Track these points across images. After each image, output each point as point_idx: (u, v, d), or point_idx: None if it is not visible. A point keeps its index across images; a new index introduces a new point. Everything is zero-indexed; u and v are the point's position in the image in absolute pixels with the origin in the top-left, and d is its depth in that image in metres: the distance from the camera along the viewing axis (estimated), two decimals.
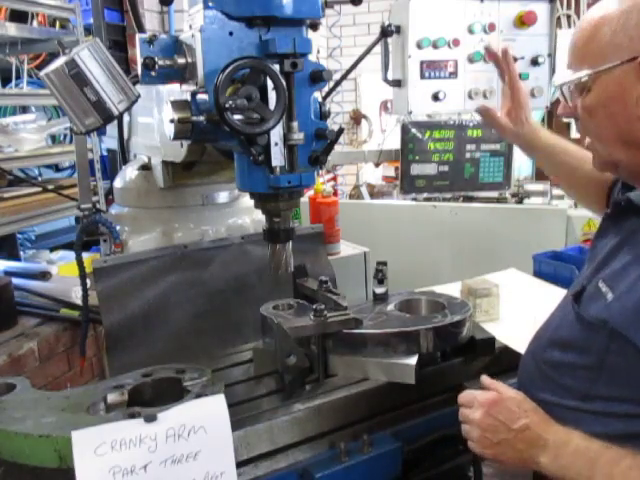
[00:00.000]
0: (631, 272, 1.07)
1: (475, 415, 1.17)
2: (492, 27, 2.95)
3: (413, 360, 1.34)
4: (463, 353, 1.51)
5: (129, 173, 2.04)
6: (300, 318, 1.42)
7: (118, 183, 2.07)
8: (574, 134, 3.09)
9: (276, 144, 1.29)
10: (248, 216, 2.03)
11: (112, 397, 1.20)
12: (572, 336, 1.17)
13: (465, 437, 1.20)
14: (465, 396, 1.22)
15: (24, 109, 4.30)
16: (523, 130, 1.62)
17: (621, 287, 1.07)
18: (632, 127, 1.06)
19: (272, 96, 1.25)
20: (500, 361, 1.52)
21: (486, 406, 1.16)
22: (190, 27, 1.31)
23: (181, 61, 1.27)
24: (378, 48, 2.71)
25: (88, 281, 1.94)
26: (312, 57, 1.33)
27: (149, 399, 1.26)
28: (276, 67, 1.24)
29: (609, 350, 1.08)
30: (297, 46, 1.24)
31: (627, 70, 1.03)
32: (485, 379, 1.25)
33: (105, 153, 4.04)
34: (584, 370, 1.13)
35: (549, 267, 2.40)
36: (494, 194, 3.79)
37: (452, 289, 1.96)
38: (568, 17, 5.30)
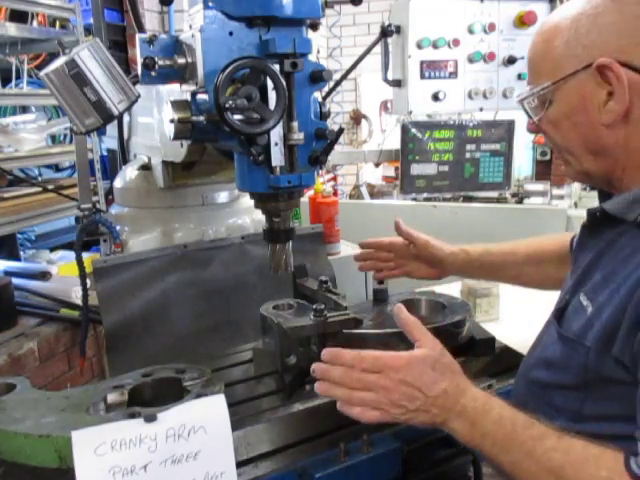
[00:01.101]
0: (610, 284, 1.04)
1: (386, 382, 1.06)
2: (492, 27, 2.95)
3: None
4: (463, 353, 1.51)
5: (129, 173, 2.04)
6: (300, 318, 1.42)
7: (118, 183, 2.07)
8: None
9: (276, 144, 1.29)
10: (248, 216, 2.03)
11: (112, 397, 1.20)
12: (555, 355, 1.14)
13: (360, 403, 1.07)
14: (366, 358, 1.08)
15: (24, 109, 4.30)
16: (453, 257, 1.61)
17: (600, 299, 1.05)
18: (597, 135, 1.06)
19: (272, 96, 1.25)
20: (500, 361, 1.52)
21: (399, 372, 1.06)
22: (190, 27, 1.31)
23: (181, 61, 1.27)
24: (378, 48, 2.71)
25: (88, 281, 1.94)
26: (312, 57, 1.33)
27: (149, 399, 1.26)
28: (276, 67, 1.24)
29: (588, 367, 1.04)
30: (297, 46, 1.24)
31: (585, 78, 1.03)
32: (399, 311, 1.15)
33: (105, 153, 4.04)
34: (571, 390, 1.09)
35: None
36: (494, 194, 3.79)
37: (452, 289, 1.96)
38: None
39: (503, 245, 1.64)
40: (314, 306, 1.39)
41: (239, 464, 1.17)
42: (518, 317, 1.92)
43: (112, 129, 2.20)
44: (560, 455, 0.96)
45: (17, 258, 3.87)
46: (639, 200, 1.04)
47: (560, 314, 1.17)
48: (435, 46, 2.84)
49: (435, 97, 2.83)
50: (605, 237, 1.12)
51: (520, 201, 3.82)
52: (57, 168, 4.65)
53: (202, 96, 1.29)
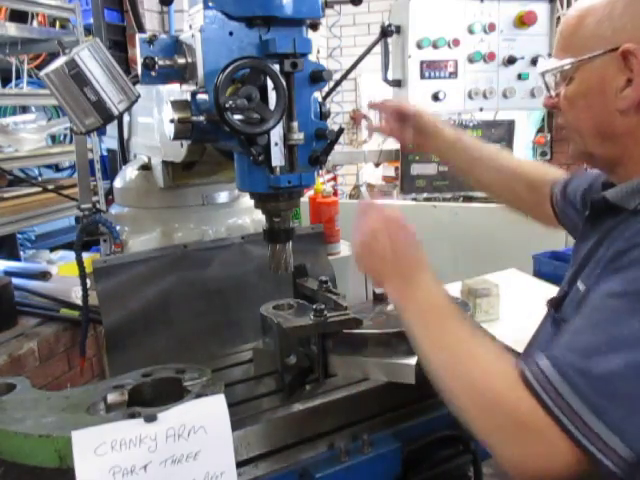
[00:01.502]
0: (601, 265, 1.05)
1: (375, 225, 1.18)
2: (492, 27, 2.95)
3: (413, 360, 1.34)
4: None
5: (129, 173, 2.04)
6: (300, 318, 1.42)
7: (118, 183, 2.07)
8: None
9: (276, 144, 1.29)
10: (248, 216, 2.03)
11: (112, 397, 1.20)
12: (547, 339, 1.16)
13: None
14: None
15: (24, 109, 4.30)
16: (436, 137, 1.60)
17: (590, 282, 1.06)
18: (610, 119, 1.06)
19: (272, 96, 1.25)
20: None
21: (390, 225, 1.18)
22: (190, 27, 1.31)
23: (181, 61, 1.27)
24: (378, 48, 2.71)
25: (88, 281, 1.94)
26: (312, 57, 1.33)
27: (149, 399, 1.26)
28: (276, 67, 1.24)
29: None
30: (297, 46, 1.24)
31: (608, 61, 1.04)
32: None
33: (105, 153, 4.04)
34: None
35: (549, 267, 2.40)
36: None
37: (452, 289, 1.96)
38: None
39: (491, 147, 1.64)
40: (314, 306, 1.39)
41: (239, 464, 1.17)
42: (518, 317, 1.92)
43: (112, 129, 2.19)
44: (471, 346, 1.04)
45: (17, 258, 3.87)
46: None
47: (558, 304, 1.19)
48: (435, 46, 2.83)
49: (435, 97, 2.83)
50: (605, 227, 1.13)
51: None
52: (57, 168, 4.65)
53: (202, 96, 1.29)
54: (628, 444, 0.88)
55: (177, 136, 1.30)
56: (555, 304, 1.20)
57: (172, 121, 1.27)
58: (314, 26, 1.36)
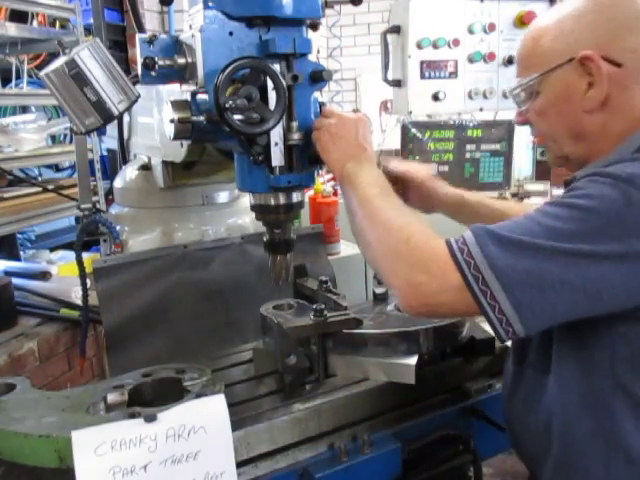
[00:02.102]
0: None
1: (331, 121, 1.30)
2: (492, 27, 2.94)
3: (413, 360, 1.34)
4: (463, 353, 1.51)
5: (129, 173, 2.04)
6: (300, 318, 1.42)
7: (118, 183, 2.07)
8: None
9: (276, 144, 1.29)
10: (248, 216, 2.03)
11: (112, 397, 1.20)
12: None
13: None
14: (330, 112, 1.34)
15: (24, 109, 4.30)
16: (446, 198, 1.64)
17: None
18: (579, 120, 1.17)
19: (272, 96, 1.25)
20: (500, 361, 1.52)
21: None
22: (190, 27, 1.31)
23: (181, 61, 1.27)
24: (378, 48, 2.71)
25: (88, 281, 1.94)
26: (312, 57, 1.33)
27: (149, 399, 1.26)
28: (276, 67, 1.24)
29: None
30: (297, 46, 1.24)
31: (569, 69, 1.15)
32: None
33: (105, 153, 4.04)
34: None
35: None
36: (494, 194, 3.78)
37: None
38: None
39: (496, 202, 1.70)
40: (314, 306, 1.39)
41: (239, 464, 1.17)
42: None
43: (112, 129, 2.19)
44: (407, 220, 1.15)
45: (17, 258, 3.86)
46: (591, 172, 1.11)
47: None
48: (435, 46, 2.83)
49: (435, 97, 2.83)
50: None
51: (520, 201, 3.81)
52: (57, 168, 4.64)
53: (202, 96, 1.29)
54: (524, 324, 1.02)
55: (177, 136, 1.30)
56: None
57: (172, 121, 1.27)
58: (314, 26, 1.37)
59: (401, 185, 1.61)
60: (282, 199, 1.39)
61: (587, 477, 1.14)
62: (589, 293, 1.01)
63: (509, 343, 1.44)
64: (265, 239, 1.46)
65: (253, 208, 1.43)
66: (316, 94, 1.39)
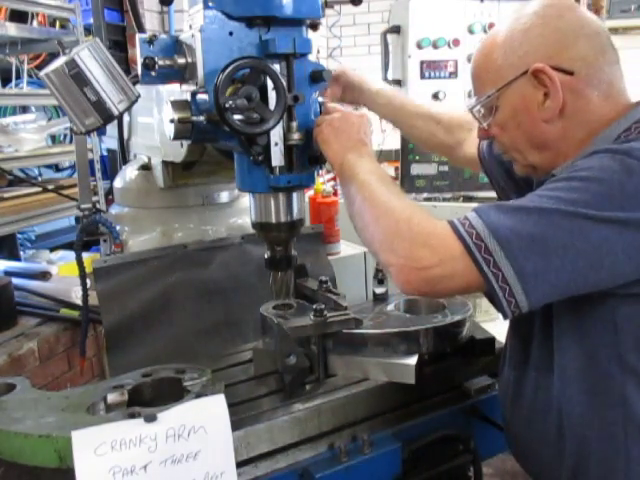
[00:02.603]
0: None
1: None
2: (492, 27, 2.94)
3: (413, 360, 1.34)
4: (463, 353, 1.51)
5: (129, 173, 2.04)
6: (300, 318, 1.42)
7: (118, 183, 2.07)
8: None
9: (276, 144, 1.29)
10: (248, 216, 2.03)
11: (112, 397, 1.20)
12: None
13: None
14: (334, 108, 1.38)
15: (24, 109, 4.30)
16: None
17: None
18: (539, 130, 1.19)
19: (272, 96, 1.25)
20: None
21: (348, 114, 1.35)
22: (190, 27, 1.31)
23: (181, 61, 1.27)
24: (378, 48, 2.71)
25: (88, 281, 1.94)
26: (312, 57, 1.33)
27: (149, 399, 1.26)
28: (276, 67, 1.24)
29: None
30: (297, 46, 1.25)
31: (523, 82, 1.17)
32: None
33: (105, 153, 4.04)
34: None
35: None
36: (494, 194, 3.78)
37: None
38: None
39: (410, 98, 1.77)
40: (314, 306, 1.39)
41: (239, 464, 1.17)
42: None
43: (112, 129, 2.19)
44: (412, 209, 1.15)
45: (17, 258, 3.86)
46: (585, 154, 1.13)
47: None
48: (435, 46, 2.83)
49: (435, 97, 2.83)
50: None
51: None
52: (57, 168, 4.65)
53: (202, 96, 1.29)
54: (527, 293, 1.01)
55: (177, 136, 1.30)
56: None
57: (172, 121, 1.27)
58: (314, 26, 1.37)
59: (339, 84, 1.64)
60: (283, 217, 1.40)
61: (608, 467, 1.13)
62: (592, 258, 1.01)
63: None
64: (266, 256, 1.48)
65: (254, 226, 1.44)
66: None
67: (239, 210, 2.04)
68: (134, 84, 1.35)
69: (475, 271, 1.03)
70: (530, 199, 1.06)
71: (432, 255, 1.06)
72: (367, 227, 1.19)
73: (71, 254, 3.07)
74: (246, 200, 2.02)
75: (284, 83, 1.23)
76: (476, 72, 1.28)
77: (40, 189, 3.44)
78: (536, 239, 1.01)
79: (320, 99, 1.41)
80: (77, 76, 1.26)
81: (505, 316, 1.07)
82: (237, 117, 1.20)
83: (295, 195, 1.42)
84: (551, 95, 1.15)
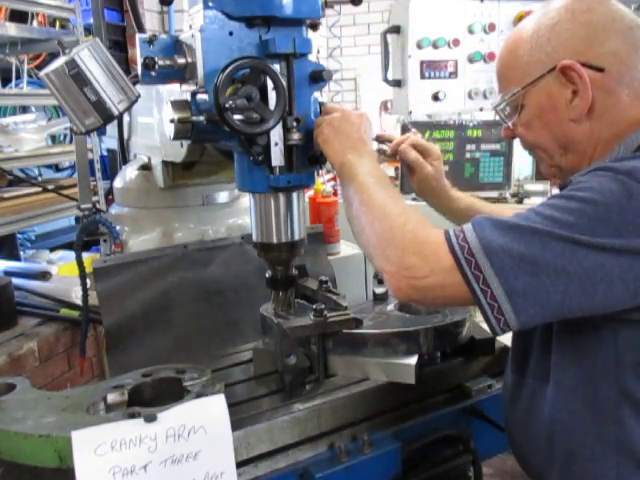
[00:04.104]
0: None
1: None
2: (492, 27, 2.94)
3: (413, 360, 1.34)
4: (463, 353, 1.51)
5: (129, 173, 2.04)
6: (300, 318, 1.42)
7: (118, 183, 2.07)
8: None
9: (276, 144, 1.29)
10: (248, 216, 2.03)
11: (112, 397, 1.20)
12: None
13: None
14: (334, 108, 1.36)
15: (24, 109, 4.30)
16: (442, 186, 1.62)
17: None
18: (566, 130, 1.15)
19: (272, 96, 1.25)
20: (500, 361, 1.52)
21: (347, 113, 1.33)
22: (190, 27, 1.31)
23: (181, 61, 1.27)
24: (378, 48, 2.71)
25: (88, 281, 1.94)
26: (312, 57, 1.33)
27: (149, 399, 1.26)
28: (276, 67, 1.24)
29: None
30: (297, 46, 1.24)
31: (551, 80, 1.14)
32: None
33: (105, 153, 4.04)
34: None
35: None
36: (494, 194, 3.78)
37: None
38: None
39: (489, 205, 1.69)
40: (314, 306, 1.39)
41: (239, 464, 1.17)
42: None
43: (112, 129, 2.19)
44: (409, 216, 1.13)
45: (17, 258, 3.86)
46: (592, 169, 1.10)
47: None
48: (435, 46, 2.83)
49: (435, 97, 2.83)
50: None
51: (520, 201, 3.80)
52: (57, 168, 4.64)
53: (202, 96, 1.29)
54: (516, 312, 1.00)
55: (177, 136, 1.30)
56: None
57: (172, 121, 1.27)
58: (314, 26, 1.37)
59: (409, 170, 1.61)
60: (284, 238, 1.40)
61: None
62: (584, 284, 0.98)
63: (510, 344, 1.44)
64: (267, 275, 1.48)
65: (255, 246, 1.44)
66: (316, 94, 1.39)
67: (239, 210, 2.04)
68: (134, 84, 1.35)
69: (464, 286, 1.02)
70: (526, 216, 1.03)
71: (423, 264, 1.05)
72: (363, 231, 1.18)
73: (71, 254, 3.07)
74: (246, 200, 2.02)
75: (284, 83, 1.23)
76: (501, 69, 1.24)
77: (40, 189, 3.44)
78: (527, 260, 0.98)
79: (320, 99, 1.41)
80: (77, 76, 1.26)
81: (495, 333, 1.06)
82: (237, 117, 1.20)
83: (296, 214, 1.41)
84: (580, 93, 1.11)
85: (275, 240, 1.41)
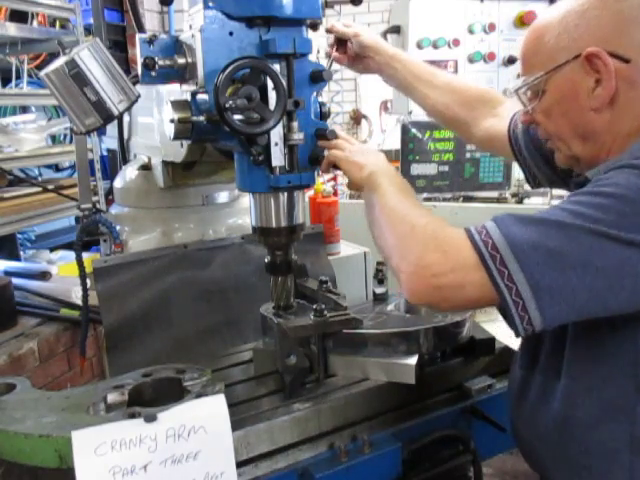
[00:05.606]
0: None
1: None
2: (492, 27, 2.95)
3: (413, 360, 1.34)
4: (463, 353, 1.51)
5: (129, 173, 2.04)
6: (300, 318, 1.42)
7: (118, 183, 2.07)
8: None
9: (276, 144, 1.29)
10: (248, 216, 2.03)
11: (112, 397, 1.20)
12: None
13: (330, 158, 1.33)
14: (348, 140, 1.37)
15: (24, 109, 4.30)
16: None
17: None
18: (586, 119, 1.13)
19: (272, 96, 1.25)
20: (500, 361, 1.52)
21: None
22: (190, 27, 1.31)
23: (181, 61, 1.27)
24: None
25: (88, 281, 1.94)
26: (312, 57, 1.33)
27: (149, 399, 1.26)
28: (276, 67, 1.24)
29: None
30: (297, 46, 1.24)
31: (575, 67, 1.11)
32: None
33: (105, 153, 4.04)
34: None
35: None
36: (494, 194, 3.78)
37: None
38: None
39: (428, 66, 1.68)
40: (314, 306, 1.39)
41: (239, 464, 1.17)
42: None
43: (112, 129, 2.19)
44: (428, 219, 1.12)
45: (17, 258, 3.86)
46: (615, 166, 1.09)
47: None
48: (435, 46, 2.83)
49: None
50: None
51: (520, 201, 3.80)
52: (57, 168, 4.65)
53: (202, 96, 1.29)
54: (542, 311, 0.97)
55: (177, 136, 1.30)
56: None
57: (172, 121, 1.27)
58: (314, 26, 1.37)
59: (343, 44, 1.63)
60: (284, 222, 1.40)
61: (609, 478, 1.11)
62: (611, 279, 0.97)
63: (516, 346, 1.44)
64: (266, 260, 1.48)
65: (254, 230, 1.44)
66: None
67: (239, 210, 2.04)
68: (134, 84, 1.35)
69: (488, 283, 0.99)
70: (552, 212, 1.01)
71: (444, 261, 1.02)
72: (383, 234, 1.16)
73: (71, 254, 3.07)
74: (246, 200, 2.02)
75: (284, 83, 1.23)
76: (525, 52, 1.21)
77: (40, 189, 3.44)
78: (554, 254, 0.96)
79: (320, 99, 1.41)
80: (77, 76, 1.26)
81: (517, 333, 1.03)
82: (237, 117, 1.20)
83: (295, 198, 1.41)
84: (603, 82, 1.09)
85: (274, 224, 1.40)
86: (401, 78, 1.64)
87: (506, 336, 1.59)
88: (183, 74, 1.29)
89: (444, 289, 1.03)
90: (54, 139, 4.31)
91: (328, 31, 1.68)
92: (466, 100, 1.59)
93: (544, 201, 3.81)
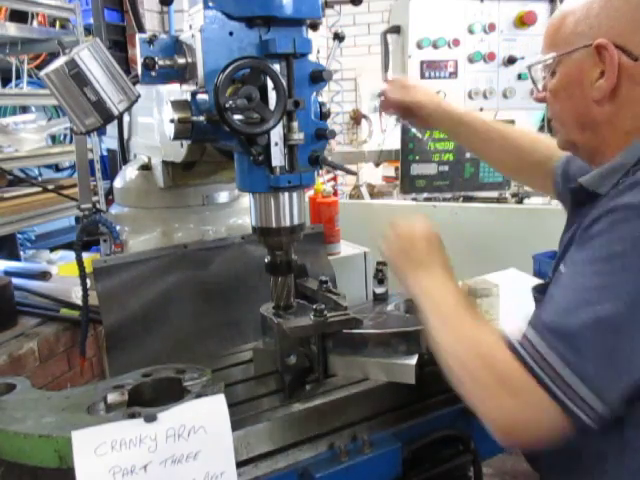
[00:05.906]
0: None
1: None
2: (492, 27, 2.95)
3: (413, 360, 1.34)
4: None
5: (129, 173, 2.04)
6: (300, 318, 1.42)
7: (118, 183, 2.07)
8: None
9: (276, 144, 1.29)
10: (248, 216, 2.03)
11: (112, 397, 1.20)
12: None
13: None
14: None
15: (24, 109, 4.30)
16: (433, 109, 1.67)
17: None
18: (588, 109, 1.15)
19: (272, 96, 1.25)
20: None
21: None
22: (190, 27, 1.31)
23: (181, 61, 1.27)
24: (378, 48, 2.72)
25: (88, 281, 1.94)
26: (312, 57, 1.33)
27: (149, 399, 1.26)
28: (276, 67, 1.24)
29: None
30: (297, 46, 1.25)
31: (585, 55, 1.12)
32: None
33: (105, 153, 4.04)
34: None
35: (549, 267, 2.40)
36: (494, 194, 3.78)
37: None
38: None
39: (498, 125, 1.72)
40: (314, 306, 1.39)
41: (239, 464, 1.17)
42: (518, 317, 1.92)
43: (112, 129, 2.19)
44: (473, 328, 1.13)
45: (17, 258, 3.87)
46: (610, 173, 1.11)
47: (543, 289, 1.23)
48: (435, 46, 2.84)
49: None
50: (583, 212, 1.17)
51: (520, 201, 3.81)
52: (57, 168, 4.65)
53: (202, 96, 1.29)
54: (599, 396, 0.96)
55: (177, 136, 1.30)
56: (540, 290, 1.26)
57: (172, 121, 1.27)
58: (314, 26, 1.37)
59: (403, 111, 1.68)
60: (284, 222, 1.40)
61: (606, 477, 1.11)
62: None
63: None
64: (266, 260, 1.48)
65: (254, 230, 1.44)
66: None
67: (239, 210, 2.04)
68: (134, 84, 1.35)
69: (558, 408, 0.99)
70: (582, 300, 0.99)
71: (521, 409, 1.03)
72: (446, 360, 1.14)
73: (71, 254, 3.07)
74: (246, 200, 2.02)
75: (284, 83, 1.23)
76: (547, 31, 1.23)
77: (40, 189, 3.44)
78: (604, 354, 0.97)
79: (320, 99, 1.41)
80: (77, 76, 1.26)
81: (586, 428, 1.00)
82: (237, 117, 1.20)
83: (296, 198, 1.41)
84: (605, 74, 1.10)
85: (274, 224, 1.40)
86: (470, 142, 1.70)
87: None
88: (183, 74, 1.29)
89: (524, 433, 1.06)
90: (54, 139, 4.31)
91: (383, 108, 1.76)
92: (537, 162, 1.61)
93: (544, 201, 3.81)
